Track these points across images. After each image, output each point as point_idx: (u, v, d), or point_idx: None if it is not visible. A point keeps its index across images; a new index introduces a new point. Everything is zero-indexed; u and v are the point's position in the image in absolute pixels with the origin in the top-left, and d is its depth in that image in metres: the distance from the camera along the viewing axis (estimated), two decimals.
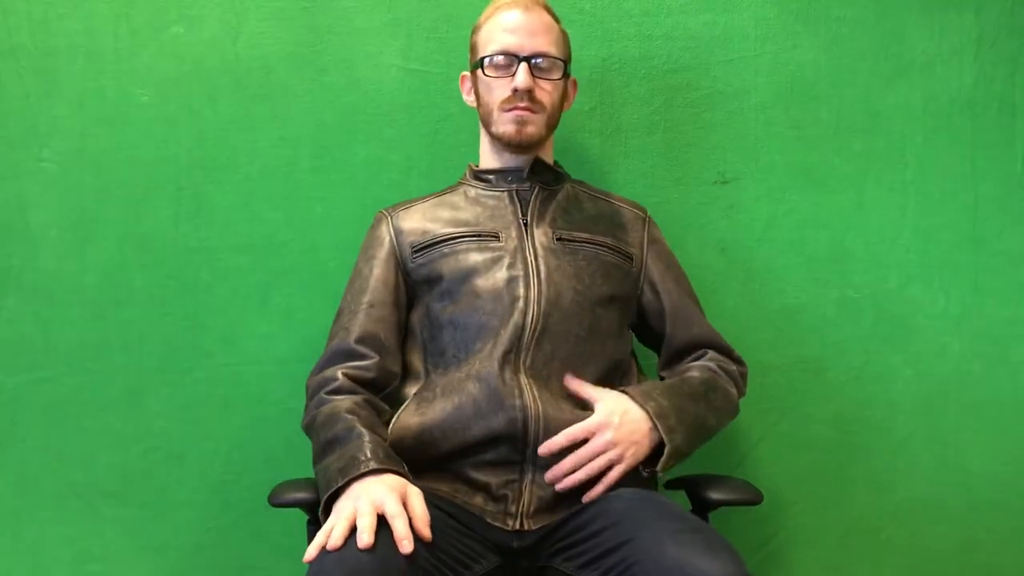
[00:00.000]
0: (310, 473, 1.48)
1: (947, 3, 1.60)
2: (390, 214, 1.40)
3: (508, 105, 1.32)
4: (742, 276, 1.59)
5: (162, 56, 1.51)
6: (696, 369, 1.35)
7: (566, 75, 1.38)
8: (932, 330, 1.62)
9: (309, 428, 1.24)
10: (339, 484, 1.08)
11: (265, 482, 1.33)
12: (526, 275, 1.29)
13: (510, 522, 1.20)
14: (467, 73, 1.42)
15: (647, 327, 1.42)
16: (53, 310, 1.51)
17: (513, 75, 1.31)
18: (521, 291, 1.28)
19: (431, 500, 1.15)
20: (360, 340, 1.29)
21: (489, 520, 1.20)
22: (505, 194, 1.38)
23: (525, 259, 1.31)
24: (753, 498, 1.28)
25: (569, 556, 1.15)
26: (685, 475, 1.36)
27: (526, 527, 1.20)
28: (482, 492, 1.21)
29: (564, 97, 1.39)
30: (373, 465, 1.09)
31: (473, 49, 1.39)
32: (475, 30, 1.39)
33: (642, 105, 1.58)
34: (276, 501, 1.23)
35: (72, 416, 1.52)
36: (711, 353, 1.39)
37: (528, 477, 1.21)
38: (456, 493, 1.22)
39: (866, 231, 1.61)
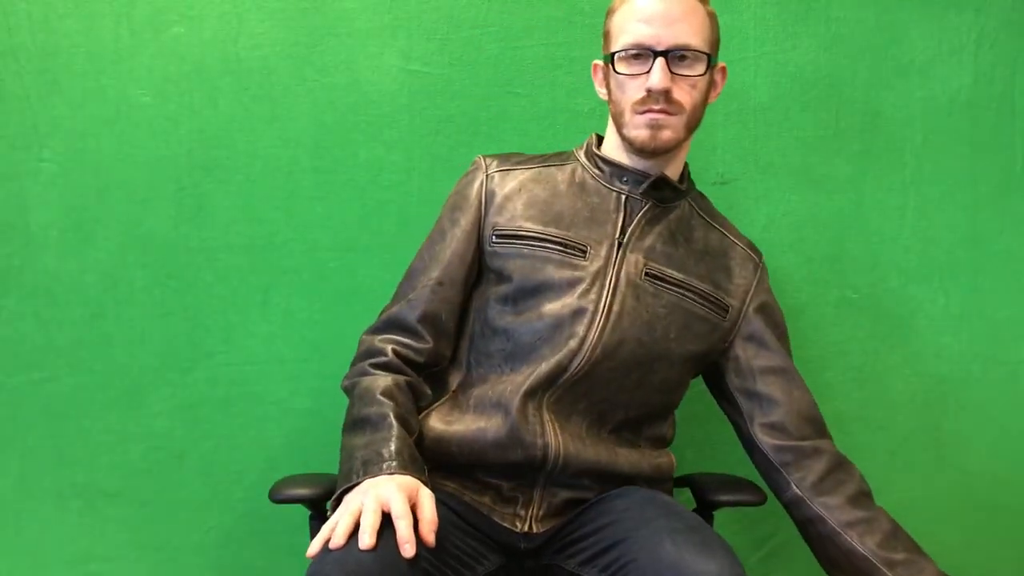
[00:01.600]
0: (310, 471, 1.49)
1: (947, 3, 1.60)
2: (488, 171, 1.29)
3: (641, 107, 1.17)
4: None
5: (162, 56, 1.51)
6: (877, 507, 1.25)
7: (711, 66, 1.20)
8: (932, 330, 1.62)
9: (347, 392, 1.22)
10: (358, 479, 1.05)
11: (266, 481, 1.33)
12: (594, 311, 1.20)
13: (518, 524, 1.19)
14: (599, 62, 1.27)
15: (726, 382, 1.31)
16: (53, 310, 1.51)
17: (648, 72, 1.15)
18: (581, 330, 1.19)
19: (438, 498, 1.14)
20: (421, 319, 1.24)
21: (497, 519, 1.19)
22: (613, 195, 1.25)
23: (601, 291, 1.21)
24: (758, 499, 1.28)
25: (571, 553, 1.15)
26: (690, 474, 1.36)
27: (534, 530, 1.19)
28: (492, 491, 1.21)
29: (710, 89, 1.24)
30: (394, 466, 1.06)
31: (605, 38, 1.23)
32: (608, 14, 1.23)
33: None
34: (277, 497, 1.23)
35: (72, 416, 1.52)
36: (833, 448, 1.28)
37: (540, 485, 1.20)
38: (464, 490, 1.21)
39: (866, 231, 1.61)
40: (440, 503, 1.12)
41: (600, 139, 1.32)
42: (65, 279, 1.51)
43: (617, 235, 1.24)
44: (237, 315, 1.53)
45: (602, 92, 1.27)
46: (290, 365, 1.54)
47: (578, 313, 1.20)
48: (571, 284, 1.21)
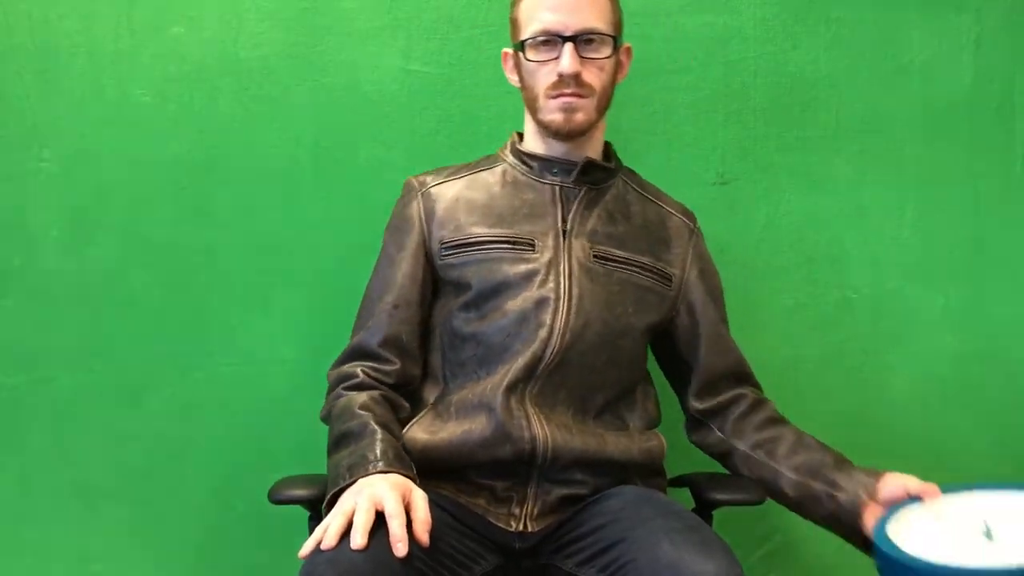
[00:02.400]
0: (310, 471, 1.48)
1: (947, 3, 1.60)
2: (422, 190, 1.31)
3: (554, 91, 1.22)
4: (742, 276, 1.59)
5: (162, 56, 1.51)
6: (786, 426, 1.33)
7: (617, 48, 1.26)
8: (932, 330, 1.62)
9: (326, 419, 1.24)
10: (346, 482, 1.06)
11: (265, 482, 1.33)
12: (556, 298, 1.22)
13: (513, 523, 1.19)
14: (509, 50, 1.31)
15: (672, 349, 1.36)
16: (53, 310, 1.51)
17: (558, 58, 1.20)
18: (548, 318, 1.21)
19: (432, 499, 1.14)
20: (383, 343, 1.26)
21: (492, 520, 1.19)
22: (548, 188, 1.28)
23: (558, 278, 1.24)
24: (756, 498, 1.28)
25: (569, 553, 1.15)
26: (689, 474, 1.36)
27: (529, 528, 1.19)
28: (486, 492, 1.21)
29: (618, 70, 1.28)
30: (381, 466, 1.07)
31: (513, 25, 1.27)
32: (514, 3, 1.27)
33: (642, 106, 1.58)
34: (276, 498, 1.23)
35: (72, 416, 1.52)
36: (753, 393, 1.36)
37: (533, 482, 1.20)
38: (459, 493, 1.21)
39: (866, 231, 1.61)
40: (435, 504, 1.13)
41: (522, 135, 1.34)
42: (65, 279, 1.51)
43: (559, 224, 1.27)
44: (237, 315, 1.53)
45: (513, 79, 1.31)
46: (290, 365, 1.54)
47: (541, 303, 1.22)
48: (528, 277, 1.23)
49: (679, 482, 1.35)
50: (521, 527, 1.19)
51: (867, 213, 1.61)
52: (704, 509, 1.30)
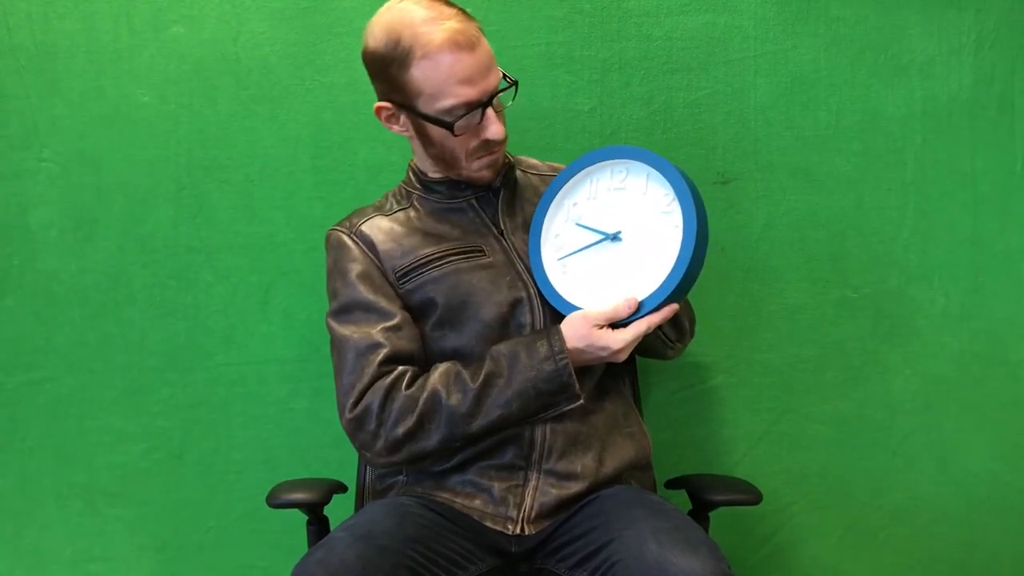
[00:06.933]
0: (309, 473, 1.49)
1: (947, 3, 1.60)
2: (351, 232, 1.27)
3: (481, 152, 1.22)
4: (741, 276, 1.59)
5: (162, 56, 1.51)
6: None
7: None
8: (931, 330, 1.62)
9: (425, 422, 1.15)
10: (561, 359, 1.14)
11: (265, 482, 1.33)
12: (528, 297, 1.23)
13: (510, 526, 1.19)
14: (385, 105, 1.23)
15: None
16: (53, 310, 1.51)
17: (480, 123, 1.18)
18: (527, 318, 1.23)
19: (427, 504, 1.16)
20: (396, 359, 1.19)
21: (489, 524, 1.19)
22: (464, 203, 1.29)
23: (520, 276, 1.24)
24: (753, 498, 1.28)
25: (562, 556, 1.15)
26: (685, 475, 1.36)
27: (526, 531, 1.19)
28: (483, 494, 1.20)
29: None
30: (546, 334, 1.16)
31: (403, 88, 1.18)
32: (404, 64, 1.16)
33: (642, 105, 1.58)
34: (274, 502, 1.23)
35: (72, 416, 1.52)
36: None
37: (532, 483, 1.20)
38: (455, 497, 1.20)
39: (866, 231, 1.61)
40: (430, 510, 1.14)
41: (415, 174, 1.32)
42: (65, 279, 1.51)
43: (494, 230, 1.28)
44: (237, 315, 1.53)
45: (403, 132, 1.26)
46: (290, 365, 1.54)
47: (516, 304, 1.23)
48: (492, 282, 1.23)
49: (676, 483, 1.35)
50: (518, 530, 1.19)
51: (867, 213, 1.60)
52: (701, 510, 1.30)
